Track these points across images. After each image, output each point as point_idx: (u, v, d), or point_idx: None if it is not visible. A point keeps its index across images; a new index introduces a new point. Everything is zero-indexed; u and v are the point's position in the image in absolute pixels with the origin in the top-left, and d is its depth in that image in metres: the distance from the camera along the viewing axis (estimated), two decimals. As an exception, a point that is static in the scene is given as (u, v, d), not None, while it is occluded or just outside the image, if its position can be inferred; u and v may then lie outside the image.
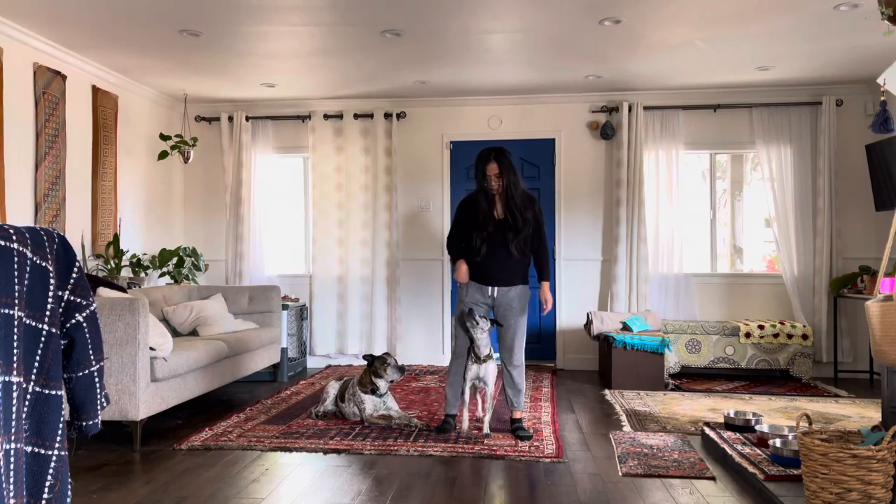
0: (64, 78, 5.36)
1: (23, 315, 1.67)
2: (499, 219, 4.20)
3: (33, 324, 1.70)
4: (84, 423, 1.87)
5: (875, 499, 2.66)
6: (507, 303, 4.23)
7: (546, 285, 4.35)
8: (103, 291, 4.28)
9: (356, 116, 7.04)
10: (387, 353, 4.67)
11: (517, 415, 4.35)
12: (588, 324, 6.37)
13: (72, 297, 1.82)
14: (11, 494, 1.61)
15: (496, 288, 4.23)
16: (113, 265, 5.67)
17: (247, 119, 7.09)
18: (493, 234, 4.17)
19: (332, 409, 4.77)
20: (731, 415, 4.22)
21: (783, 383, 6.10)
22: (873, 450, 2.64)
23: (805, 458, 2.79)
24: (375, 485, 3.41)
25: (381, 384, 4.59)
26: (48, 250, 1.76)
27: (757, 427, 3.85)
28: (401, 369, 4.59)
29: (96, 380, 1.87)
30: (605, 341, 6.15)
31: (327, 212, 7.06)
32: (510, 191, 4.17)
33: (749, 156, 7.04)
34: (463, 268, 4.27)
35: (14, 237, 1.65)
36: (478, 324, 4.15)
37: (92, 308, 1.86)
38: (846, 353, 6.49)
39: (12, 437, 1.61)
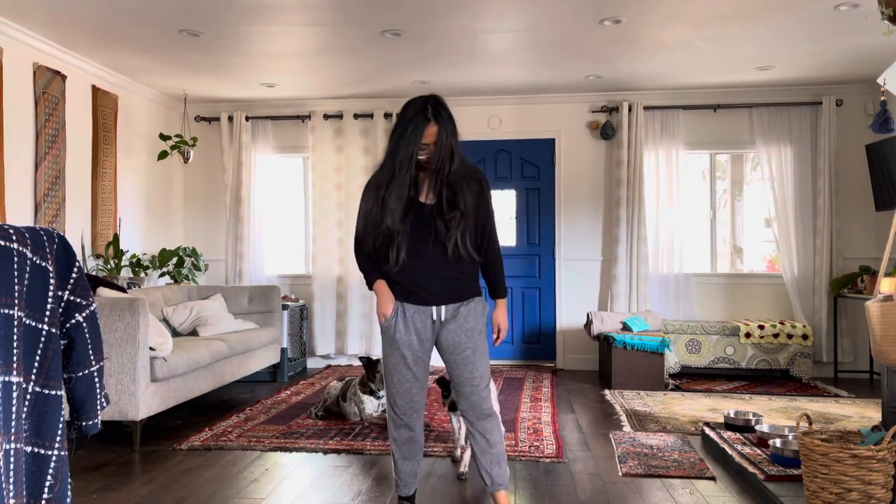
0: (64, 78, 5.36)
1: (23, 315, 1.66)
2: (428, 205, 2.72)
3: (33, 324, 1.70)
4: (84, 423, 1.87)
5: (875, 499, 2.66)
6: (460, 327, 2.75)
7: (502, 305, 2.88)
8: (103, 291, 4.28)
9: (356, 116, 7.04)
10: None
11: (501, 498, 2.82)
12: (588, 324, 6.37)
13: (72, 297, 1.82)
14: (11, 494, 1.61)
15: (442, 308, 2.76)
16: (113, 265, 5.67)
17: (247, 119, 7.09)
18: (420, 229, 2.70)
19: (334, 409, 4.77)
20: (732, 415, 4.22)
21: (783, 383, 6.10)
22: (873, 450, 2.64)
23: (805, 458, 2.79)
24: (375, 485, 3.41)
25: (377, 387, 4.59)
26: (48, 250, 1.76)
27: (757, 427, 3.85)
28: None
29: (96, 380, 1.87)
30: (605, 341, 6.15)
31: (327, 212, 7.06)
32: (448, 162, 2.67)
33: (749, 156, 7.04)
34: (386, 295, 2.76)
35: (14, 237, 1.65)
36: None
37: (92, 308, 1.86)
38: (846, 353, 6.49)
39: (12, 437, 1.61)
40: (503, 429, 2.87)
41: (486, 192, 2.80)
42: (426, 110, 2.63)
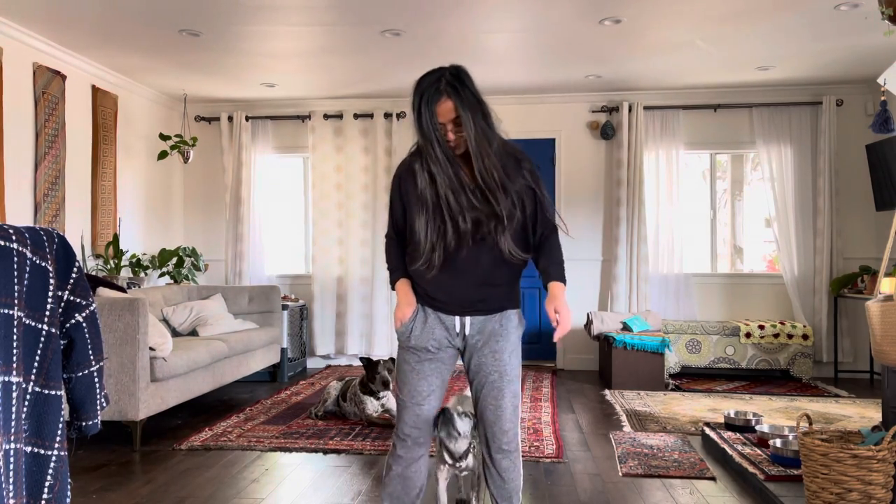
0: (64, 78, 5.36)
1: (22, 315, 1.66)
2: (468, 195, 2.26)
3: (33, 324, 1.70)
4: (84, 424, 1.87)
5: (875, 499, 2.66)
6: (491, 344, 2.33)
7: (558, 289, 2.32)
8: (103, 291, 4.28)
9: (356, 116, 7.04)
10: (384, 360, 4.55)
11: None
12: (588, 324, 6.36)
13: (71, 297, 1.82)
14: (11, 495, 1.61)
15: (468, 319, 2.34)
16: (112, 265, 5.67)
17: (247, 119, 7.09)
18: (458, 224, 2.25)
19: (333, 409, 4.77)
20: (732, 415, 4.21)
21: (783, 383, 6.10)
22: (873, 450, 2.64)
23: (805, 458, 2.79)
24: (375, 485, 3.41)
25: (377, 388, 4.58)
26: (48, 250, 1.76)
27: (757, 427, 3.85)
28: (387, 384, 4.51)
29: (96, 380, 1.87)
30: (605, 341, 6.15)
31: (327, 212, 7.05)
32: (482, 145, 2.22)
33: (749, 156, 7.03)
34: (407, 296, 2.37)
35: (14, 237, 1.65)
36: (459, 434, 2.50)
37: (92, 308, 1.86)
38: (846, 353, 6.48)
39: (12, 438, 1.61)
40: (520, 464, 2.45)
41: (534, 175, 2.34)
42: (439, 83, 2.24)
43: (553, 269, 2.37)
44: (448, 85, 2.24)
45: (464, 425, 2.48)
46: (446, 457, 2.59)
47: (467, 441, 2.54)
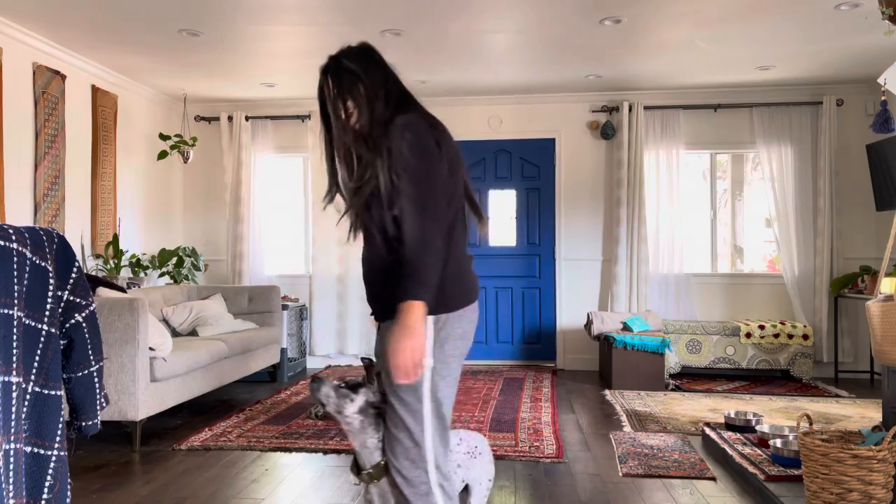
0: (63, 78, 5.35)
1: (22, 315, 1.66)
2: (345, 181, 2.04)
3: (33, 324, 1.70)
4: (83, 424, 1.87)
5: (875, 499, 2.65)
6: (384, 360, 1.87)
7: (402, 317, 1.76)
8: (103, 291, 4.28)
9: (356, 116, 7.03)
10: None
11: None
12: (588, 324, 6.36)
13: (71, 297, 1.82)
14: (11, 495, 1.60)
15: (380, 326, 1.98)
16: (112, 265, 5.67)
17: (246, 119, 7.09)
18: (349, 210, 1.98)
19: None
20: (732, 415, 4.21)
21: (784, 383, 6.09)
22: (874, 450, 2.64)
23: (805, 458, 2.78)
24: (375, 485, 3.41)
25: None
26: (47, 250, 1.75)
27: (757, 427, 3.85)
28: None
29: (96, 380, 1.87)
30: (605, 341, 6.15)
31: (327, 212, 7.05)
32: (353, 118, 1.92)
33: (749, 156, 7.03)
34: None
35: (14, 237, 1.65)
36: (331, 398, 1.90)
37: (91, 308, 1.86)
38: (847, 354, 6.48)
39: (12, 438, 1.61)
40: None
41: (401, 142, 1.81)
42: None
43: (403, 279, 1.84)
44: (324, 69, 1.99)
45: (342, 391, 1.91)
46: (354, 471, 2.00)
47: (370, 425, 1.91)
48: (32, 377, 1.70)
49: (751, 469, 3.33)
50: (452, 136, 1.95)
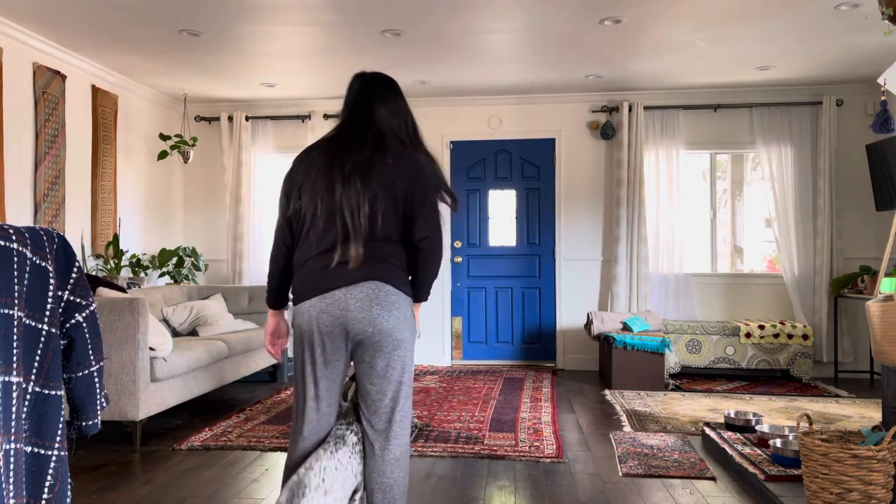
0: (63, 78, 5.36)
1: (22, 315, 1.66)
2: None
3: (33, 324, 1.70)
4: (84, 424, 1.87)
5: (875, 499, 2.66)
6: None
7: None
8: (103, 291, 4.28)
9: (356, 116, 7.03)
10: None
11: None
12: (588, 324, 6.37)
13: (71, 297, 1.82)
14: (11, 495, 1.60)
15: None
16: (113, 265, 5.67)
17: (247, 119, 7.09)
18: None
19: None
20: (732, 415, 4.21)
21: (783, 383, 6.10)
22: (874, 450, 2.64)
23: (805, 458, 2.79)
24: (375, 485, 3.40)
25: None
26: (48, 250, 1.76)
27: (757, 427, 3.85)
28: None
29: (96, 380, 1.87)
30: (605, 341, 6.15)
31: (327, 212, 7.04)
32: None
33: (749, 156, 7.04)
34: None
35: (14, 237, 1.65)
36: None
37: (91, 308, 1.86)
38: (846, 354, 6.48)
39: (12, 438, 1.61)
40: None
41: None
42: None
43: None
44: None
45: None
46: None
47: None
48: (33, 377, 1.70)
49: (751, 469, 3.33)
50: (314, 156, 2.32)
